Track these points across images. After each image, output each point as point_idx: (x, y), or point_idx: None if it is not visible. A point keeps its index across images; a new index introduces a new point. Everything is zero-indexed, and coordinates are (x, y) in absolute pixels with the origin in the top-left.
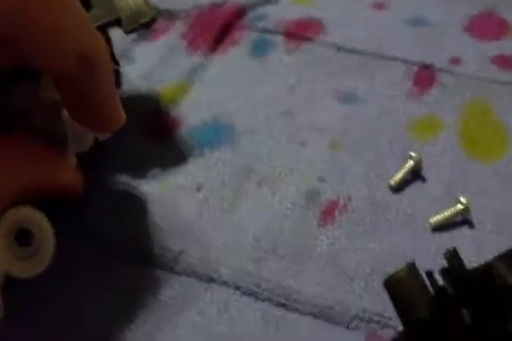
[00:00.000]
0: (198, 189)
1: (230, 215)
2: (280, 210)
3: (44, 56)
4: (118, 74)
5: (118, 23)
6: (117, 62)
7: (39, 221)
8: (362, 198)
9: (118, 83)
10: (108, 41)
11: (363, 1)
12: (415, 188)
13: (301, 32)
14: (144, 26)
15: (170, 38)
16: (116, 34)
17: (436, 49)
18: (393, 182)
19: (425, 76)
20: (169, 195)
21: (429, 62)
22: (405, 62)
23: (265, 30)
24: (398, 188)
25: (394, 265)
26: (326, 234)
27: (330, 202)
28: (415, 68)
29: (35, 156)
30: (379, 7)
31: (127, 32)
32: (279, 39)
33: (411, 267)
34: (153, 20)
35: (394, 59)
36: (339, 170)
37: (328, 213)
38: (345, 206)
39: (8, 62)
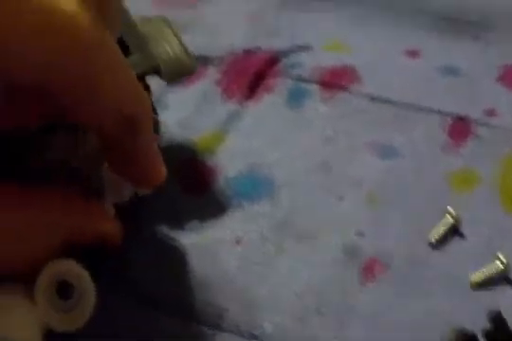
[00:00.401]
0: (238, 243)
1: (272, 270)
2: (320, 267)
3: (83, 112)
4: (156, 123)
5: (156, 71)
6: (155, 111)
7: (79, 273)
8: (402, 255)
9: (156, 131)
10: (147, 89)
11: (396, 48)
12: (454, 244)
13: (335, 81)
14: (185, 76)
15: (204, 84)
16: (151, 80)
17: (470, 100)
18: (432, 239)
19: (460, 128)
20: (208, 248)
21: (464, 114)
22: (439, 113)
23: (300, 79)
24: (438, 245)
25: (435, 324)
26: (367, 292)
27: (370, 258)
28: (450, 120)
29: (73, 206)
30: (412, 54)
31: (169, 82)
32: (314, 87)
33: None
34: (194, 71)
35: (429, 110)
36: (378, 225)
37: (368, 270)
38: (385, 263)
39: (46, 115)
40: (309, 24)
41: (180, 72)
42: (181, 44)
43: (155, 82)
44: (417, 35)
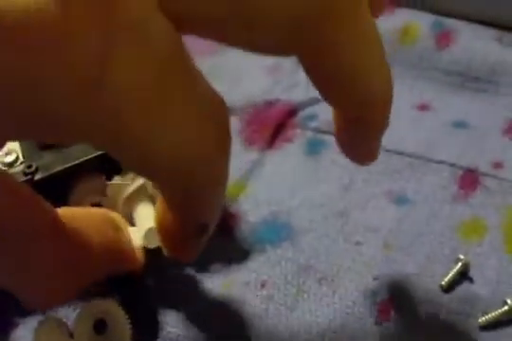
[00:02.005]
0: (263, 286)
1: (294, 312)
2: (340, 308)
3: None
4: None
5: None
6: None
7: (117, 314)
8: (415, 298)
9: None
10: None
11: (408, 102)
12: (463, 288)
13: None
14: None
15: None
16: None
17: (479, 153)
18: (443, 283)
19: (469, 179)
20: (234, 292)
21: (474, 167)
22: (451, 165)
23: (318, 130)
24: (448, 289)
25: None
26: (383, 331)
27: (385, 301)
28: (460, 172)
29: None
30: (423, 108)
31: None
32: (331, 139)
33: None
34: None
35: (441, 162)
36: (393, 269)
37: (384, 311)
38: (400, 305)
39: None
40: None
41: None
42: None
43: None
44: (428, 90)
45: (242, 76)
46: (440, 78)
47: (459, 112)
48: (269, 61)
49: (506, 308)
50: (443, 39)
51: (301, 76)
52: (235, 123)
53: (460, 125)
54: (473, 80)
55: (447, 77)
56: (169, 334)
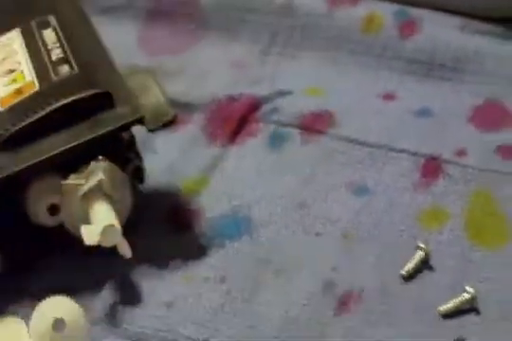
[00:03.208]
0: (222, 281)
1: (251, 305)
2: (297, 300)
3: None
4: (141, 170)
5: (141, 121)
6: (140, 159)
7: (76, 313)
8: (375, 288)
9: (141, 179)
10: (132, 138)
11: (372, 91)
12: (424, 277)
13: (314, 125)
14: (166, 125)
15: (189, 130)
16: (137, 127)
17: (442, 141)
18: (404, 272)
19: (432, 167)
20: (193, 286)
21: (437, 155)
22: (413, 154)
23: (280, 123)
24: (409, 278)
25: None
26: (342, 323)
27: (344, 292)
28: (422, 160)
29: None
30: (388, 97)
31: (150, 131)
32: (294, 132)
33: None
34: (173, 120)
35: (402, 151)
36: (352, 260)
37: (343, 303)
38: (359, 296)
39: None
40: (290, 70)
41: (162, 120)
42: (164, 94)
43: (143, 129)
44: (392, 79)
45: (206, 73)
46: (404, 67)
47: (423, 100)
48: (234, 56)
49: (467, 296)
50: (407, 28)
51: (267, 70)
52: (198, 120)
53: (424, 113)
54: (438, 68)
55: (411, 66)
56: (126, 332)
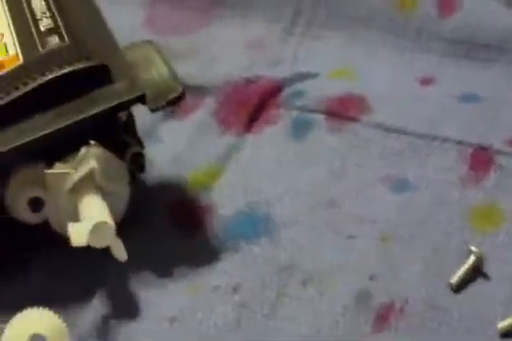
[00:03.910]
0: (235, 291)
1: (272, 321)
2: (328, 314)
3: None
4: (142, 157)
5: (141, 99)
6: (141, 144)
7: (58, 329)
8: (420, 300)
9: (141, 168)
10: (131, 120)
11: (408, 75)
12: (477, 287)
13: (343, 111)
14: (171, 102)
15: (199, 116)
16: (140, 111)
17: (492, 129)
18: (453, 281)
19: (481, 158)
20: (201, 298)
21: (487, 145)
22: (458, 143)
23: (305, 109)
24: (459, 288)
25: None
26: None
27: (384, 305)
28: (470, 150)
29: None
30: (426, 82)
31: (153, 110)
32: (320, 118)
33: None
34: (181, 96)
35: (448, 140)
36: (393, 267)
37: (383, 318)
38: (401, 309)
39: None
40: (314, 51)
41: (165, 96)
42: (169, 68)
43: (147, 115)
44: (430, 61)
45: (219, 53)
46: (444, 48)
47: (467, 85)
48: (251, 36)
49: None
50: (446, 4)
51: (288, 51)
52: (209, 105)
53: (468, 99)
54: (482, 49)
55: (451, 47)
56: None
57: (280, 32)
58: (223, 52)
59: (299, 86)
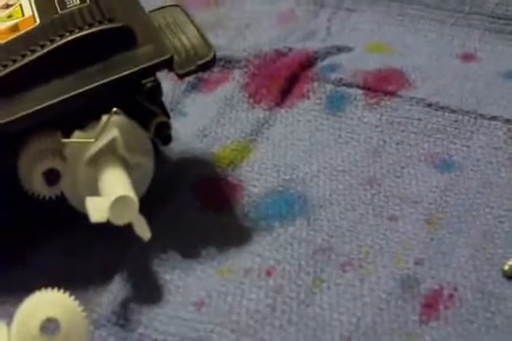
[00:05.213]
0: (269, 274)
1: (309, 308)
2: (371, 302)
3: None
4: (167, 127)
5: (169, 64)
6: (167, 114)
7: (73, 313)
8: (471, 287)
9: (166, 140)
10: (157, 87)
11: (449, 50)
12: None
13: (381, 85)
14: (201, 68)
15: (228, 89)
16: (164, 83)
17: None
18: (507, 266)
19: None
20: (232, 281)
21: None
22: (506, 121)
23: (340, 83)
24: None
25: None
26: (431, 333)
27: (432, 291)
28: None
29: None
30: (468, 58)
31: (181, 76)
32: (357, 92)
33: None
34: (211, 62)
35: (495, 118)
36: (440, 251)
37: (431, 306)
38: (451, 297)
39: None
40: (350, 23)
41: (194, 61)
42: (199, 31)
43: (171, 87)
44: (472, 37)
45: (249, 25)
46: (485, 23)
47: (509, 61)
48: (282, 9)
49: None
50: None
51: (319, 23)
52: (238, 78)
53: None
54: None
55: (494, 22)
56: (141, 338)
57: (311, 4)
58: (252, 24)
59: (333, 59)
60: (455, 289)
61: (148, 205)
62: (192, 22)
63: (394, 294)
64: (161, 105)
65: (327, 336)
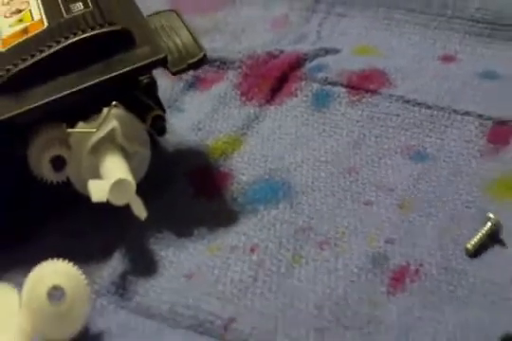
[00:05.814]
0: (252, 251)
1: (288, 280)
2: (344, 275)
3: None
4: (162, 120)
5: (163, 63)
6: (162, 108)
7: (77, 281)
8: (436, 263)
9: (161, 131)
10: (153, 84)
11: (430, 52)
12: (494, 253)
13: (364, 84)
14: (192, 66)
15: (222, 88)
16: (164, 82)
17: (511, 104)
18: (469, 246)
19: (500, 132)
20: (219, 257)
21: (506, 118)
22: (478, 116)
23: (326, 81)
24: (476, 253)
25: (472, 339)
26: (397, 303)
27: (400, 267)
28: (490, 124)
29: None
30: (448, 59)
31: (174, 73)
32: (341, 91)
33: None
34: (202, 60)
35: (468, 114)
36: (410, 231)
37: (398, 280)
38: (417, 272)
39: None
40: (339, 28)
41: (186, 60)
42: (191, 34)
43: (169, 85)
44: (453, 39)
45: (245, 30)
46: (466, 27)
47: (488, 63)
48: (275, 15)
49: None
50: None
51: (311, 28)
52: (232, 77)
53: (488, 76)
54: (505, 28)
55: (474, 26)
56: (138, 306)
57: (304, 10)
58: (247, 29)
59: (321, 60)
60: (421, 265)
61: (145, 191)
62: (186, 26)
63: (365, 268)
64: (157, 100)
65: (303, 304)
